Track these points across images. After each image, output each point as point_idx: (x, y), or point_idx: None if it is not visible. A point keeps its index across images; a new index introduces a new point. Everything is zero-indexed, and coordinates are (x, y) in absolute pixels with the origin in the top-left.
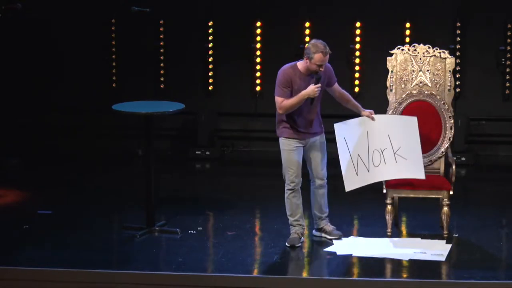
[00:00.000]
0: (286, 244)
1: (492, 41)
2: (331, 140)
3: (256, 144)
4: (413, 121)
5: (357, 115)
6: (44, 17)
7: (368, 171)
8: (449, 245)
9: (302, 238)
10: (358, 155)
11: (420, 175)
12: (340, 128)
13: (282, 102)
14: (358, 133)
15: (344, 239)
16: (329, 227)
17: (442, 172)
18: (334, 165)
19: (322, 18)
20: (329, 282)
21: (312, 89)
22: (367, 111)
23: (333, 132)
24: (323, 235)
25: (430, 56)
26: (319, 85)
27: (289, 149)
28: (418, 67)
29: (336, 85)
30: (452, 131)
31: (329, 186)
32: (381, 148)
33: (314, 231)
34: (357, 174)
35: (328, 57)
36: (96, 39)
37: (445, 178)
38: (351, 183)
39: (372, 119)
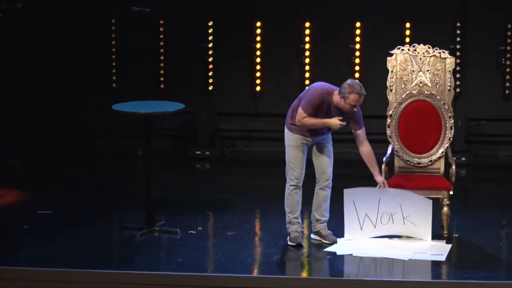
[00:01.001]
0: (290, 243)
1: (492, 41)
2: (338, 141)
3: (256, 144)
4: (428, 203)
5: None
6: (44, 17)
7: (375, 227)
8: (449, 245)
9: (302, 236)
10: (366, 214)
11: (427, 238)
12: (350, 194)
13: (304, 118)
14: (369, 199)
15: (344, 239)
16: (325, 231)
17: (442, 172)
18: (335, 165)
19: (322, 18)
20: (329, 282)
21: (335, 123)
22: (381, 178)
23: (339, 133)
24: (318, 238)
25: (430, 56)
26: (344, 123)
27: (295, 145)
28: (418, 67)
29: (361, 132)
30: (452, 131)
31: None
32: (391, 212)
33: (312, 234)
34: (361, 229)
35: (363, 99)
36: (96, 39)
37: (445, 178)
38: (352, 233)
39: (383, 188)
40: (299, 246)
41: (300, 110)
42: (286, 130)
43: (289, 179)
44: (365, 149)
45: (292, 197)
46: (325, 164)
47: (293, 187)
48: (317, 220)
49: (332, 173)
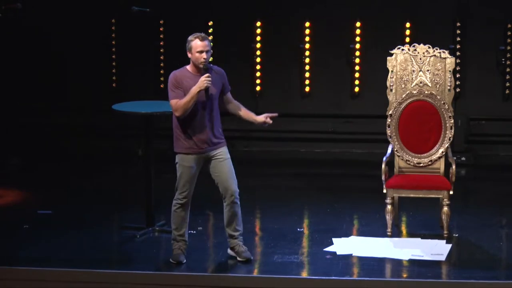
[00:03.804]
0: (171, 260)
1: (492, 41)
2: (338, 141)
3: (256, 144)
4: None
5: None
6: (44, 17)
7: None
8: (449, 245)
9: (185, 254)
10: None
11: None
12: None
13: (177, 103)
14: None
15: (344, 239)
16: (239, 247)
17: (442, 172)
18: (334, 165)
19: (322, 18)
20: (329, 282)
21: (201, 81)
22: (261, 117)
23: (339, 133)
24: (233, 254)
25: (430, 56)
26: (207, 74)
27: (188, 165)
28: (418, 67)
29: (230, 95)
30: (452, 131)
31: (330, 184)
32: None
33: (228, 249)
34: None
35: (209, 44)
36: (96, 39)
37: (445, 178)
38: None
39: (267, 123)
40: (179, 264)
41: (170, 102)
42: (177, 154)
43: (176, 196)
44: (234, 104)
45: (178, 214)
46: (226, 179)
47: (179, 205)
48: (231, 236)
49: (237, 185)
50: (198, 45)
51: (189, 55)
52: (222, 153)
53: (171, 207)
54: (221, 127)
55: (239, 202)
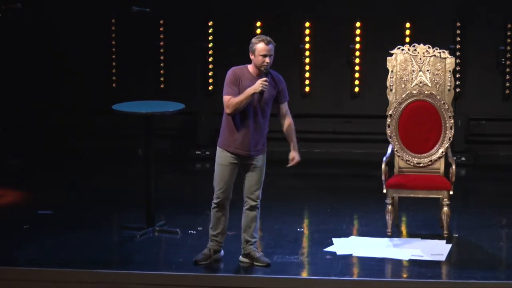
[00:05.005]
0: (194, 259)
1: (492, 41)
2: (338, 141)
3: None
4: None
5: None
6: (44, 17)
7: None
8: (449, 245)
9: (219, 254)
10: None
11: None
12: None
13: (229, 100)
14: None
15: (344, 239)
16: (256, 253)
17: (442, 172)
18: (334, 165)
19: (322, 18)
20: (329, 282)
21: (258, 82)
22: (293, 154)
23: (339, 133)
24: (248, 261)
25: (430, 56)
26: (265, 78)
27: (223, 163)
28: (418, 67)
29: (286, 105)
30: (452, 131)
31: (330, 184)
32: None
33: (241, 256)
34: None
35: (273, 48)
36: (96, 39)
37: (445, 178)
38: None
39: (294, 163)
40: (196, 263)
41: (223, 97)
42: (217, 148)
43: (214, 195)
44: (287, 122)
45: (214, 214)
46: (254, 184)
47: (215, 205)
48: (247, 241)
49: (261, 194)
50: (262, 49)
51: (252, 57)
52: (259, 160)
53: (171, 207)
54: (265, 139)
55: (260, 209)
